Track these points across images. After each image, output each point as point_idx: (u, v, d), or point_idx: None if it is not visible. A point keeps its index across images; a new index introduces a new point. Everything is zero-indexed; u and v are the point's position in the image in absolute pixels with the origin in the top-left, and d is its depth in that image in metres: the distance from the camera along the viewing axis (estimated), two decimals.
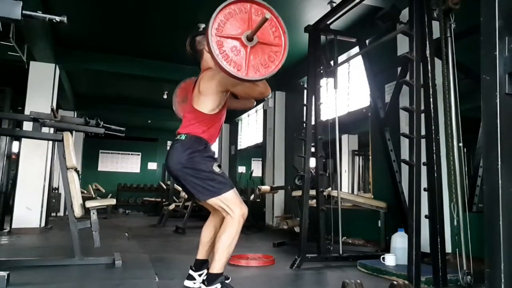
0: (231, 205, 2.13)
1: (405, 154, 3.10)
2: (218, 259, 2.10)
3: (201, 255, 2.41)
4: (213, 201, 2.16)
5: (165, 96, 8.41)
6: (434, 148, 2.34)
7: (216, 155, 2.31)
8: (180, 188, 8.45)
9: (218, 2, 1.81)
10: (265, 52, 1.91)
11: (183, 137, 2.22)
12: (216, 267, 2.11)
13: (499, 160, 1.18)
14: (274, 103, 7.21)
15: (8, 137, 5.57)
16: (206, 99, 2.21)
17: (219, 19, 1.82)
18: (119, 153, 12.68)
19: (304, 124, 3.60)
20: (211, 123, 2.25)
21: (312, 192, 3.53)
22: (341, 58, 4.20)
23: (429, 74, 2.40)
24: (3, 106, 5.75)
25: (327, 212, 3.56)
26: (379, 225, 4.06)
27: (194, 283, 2.34)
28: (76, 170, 3.36)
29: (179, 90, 2.79)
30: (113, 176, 12.32)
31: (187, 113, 2.31)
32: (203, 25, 4.99)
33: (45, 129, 3.54)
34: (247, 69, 1.87)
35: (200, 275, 2.34)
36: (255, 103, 2.66)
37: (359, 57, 4.17)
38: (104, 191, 10.23)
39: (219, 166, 2.22)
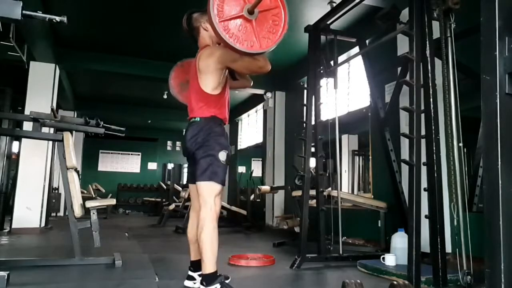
0: (210, 196, 2.12)
1: (405, 154, 3.10)
2: (206, 259, 2.08)
3: (194, 256, 2.40)
4: (201, 185, 2.15)
5: (165, 96, 8.39)
6: (434, 148, 2.34)
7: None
8: (180, 188, 8.46)
9: None
10: (267, 19, 1.93)
11: (197, 119, 2.22)
12: (207, 267, 2.08)
13: (499, 160, 1.17)
14: (274, 103, 7.21)
15: (8, 137, 5.57)
16: (206, 78, 2.18)
17: (216, 4, 1.82)
18: (119, 153, 12.68)
19: (304, 124, 3.60)
20: (219, 104, 2.24)
21: (312, 192, 3.53)
22: (341, 58, 4.19)
23: (429, 74, 2.40)
24: (3, 106, 5.74)
25: (327, 212, 3.56)
26: (379, 225, 4.06)
27: (194, 283, 2.35)
28: (76, 170, 3.35)
29: (176, 72, 2.75)
30: (113, 176, 12.32)
31: (194, 93, 2.27)
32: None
33: (45, 129, 3.54)
34: (260, 42, 1.90)
35: (200, 275, 2.34)
36: (252, 83, 2.61)
37: (359, 57, 4.17)
38: (104, 191, 10.24)
39: (228, 155, 2.19)
